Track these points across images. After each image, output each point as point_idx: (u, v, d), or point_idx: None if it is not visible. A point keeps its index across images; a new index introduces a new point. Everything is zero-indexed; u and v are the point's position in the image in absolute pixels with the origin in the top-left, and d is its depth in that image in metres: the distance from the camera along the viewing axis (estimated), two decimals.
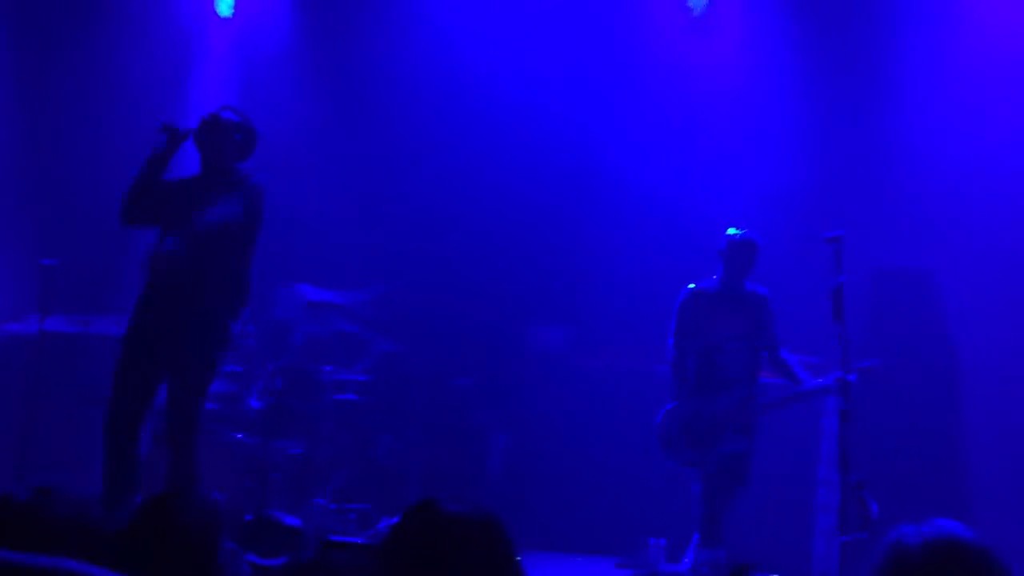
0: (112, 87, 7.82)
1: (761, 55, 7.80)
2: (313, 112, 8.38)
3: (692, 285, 5.74)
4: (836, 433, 5.06)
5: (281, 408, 6.35)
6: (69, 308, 6.80)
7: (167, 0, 8.36)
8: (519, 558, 2.19)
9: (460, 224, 8.02)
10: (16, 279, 7.41)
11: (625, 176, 7.91)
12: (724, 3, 8.04)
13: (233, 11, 8.51)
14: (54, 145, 7.99)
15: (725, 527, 5.46)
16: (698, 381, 5.56)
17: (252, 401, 6.64)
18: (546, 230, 7.99)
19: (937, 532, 1.71)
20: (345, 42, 8.42)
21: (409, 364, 7.66)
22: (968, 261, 6.90)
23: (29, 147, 8.08)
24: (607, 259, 7.74)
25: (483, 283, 7.93)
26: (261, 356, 6.81)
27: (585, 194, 7.94)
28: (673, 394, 5.62)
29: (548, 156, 7.95)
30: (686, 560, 5.50)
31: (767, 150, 7.63)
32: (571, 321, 7.86)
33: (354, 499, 6.54)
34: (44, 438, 6.39)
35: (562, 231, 7.97)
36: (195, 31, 8.42)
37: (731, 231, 5.69)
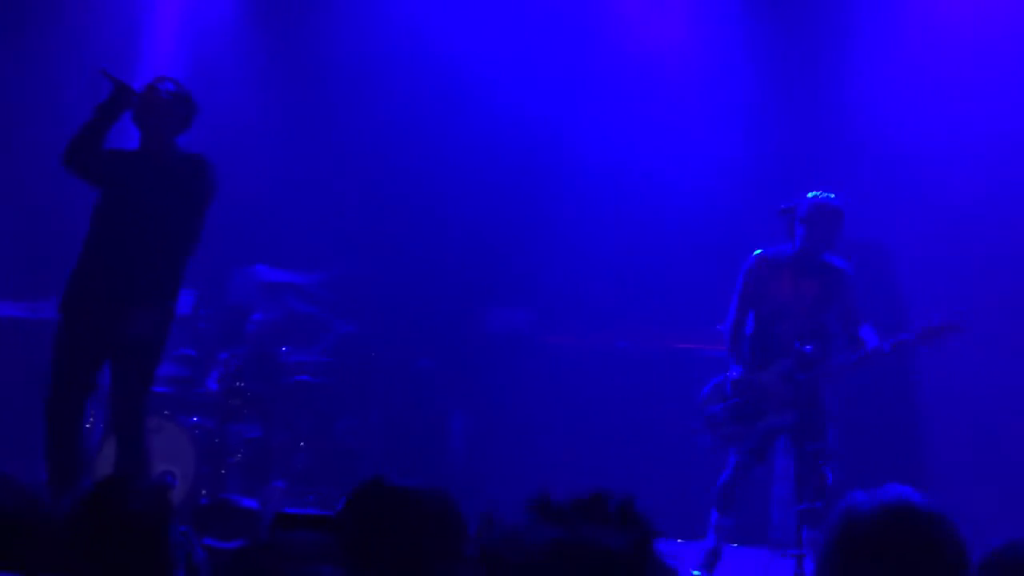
0: (58, 66, 7.64)
1: (717, 26, 7.80)
2: (267, 88, 8.27)
3: (759, 251, 5.28)
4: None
5: (238, 391, 6.29)
6: (16, 293, 6.68)
7: None
8: (466, 536, 2.18)
9: (418, 203, 7.98)
10: None
11: (584, 152, 7.89)
12: None
13: None
14: None
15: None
16: (752, 351, 5.18)
17: (208, 384, 6.57)
18: (505, 209, 7.96)
19: (888, 497, 1.71)
20: (301, 16, 8.31)
21: (368, 345, 7.62)
22: (924, 233, 6.97)
23: None
24: (567, 237, 7.73)
25: (443, 263, 7.90)
26: (216, 339, 6.74)
27: (544, 172, 7.91)
28: (728, 365, 5.23)
29: (505, 134, 7.91)
30: (709, 538, 5.14)
31: (725, 122, 7.64)
32: (531, 300, 7.85)
33: (314, 482, 6.51)
34: None
35: (521, 209, 7.94)
36: (143, 4, 8.25)
37: (814, 194, 5.17)
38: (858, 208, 6.95)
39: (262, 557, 2.99)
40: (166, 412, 5.93)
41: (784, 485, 5.39)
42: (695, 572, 5.12)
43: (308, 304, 7.80)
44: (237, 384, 6.33)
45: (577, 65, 7.96)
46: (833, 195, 5.22)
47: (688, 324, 6.93)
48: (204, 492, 5.79)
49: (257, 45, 8.41)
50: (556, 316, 7.74)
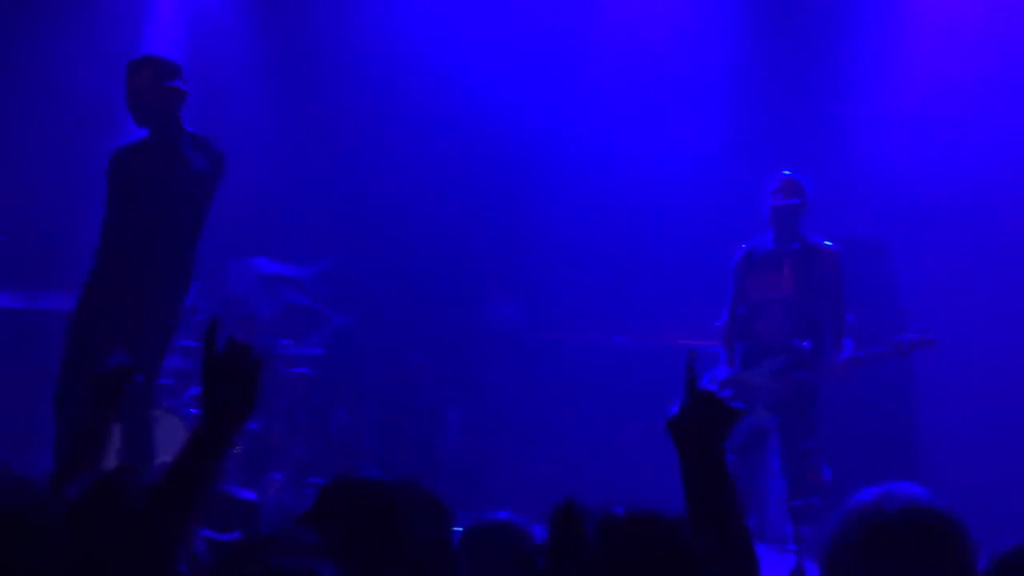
0: (59, 68, 7.60)
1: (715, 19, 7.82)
2: (261, 82, 8.26)
3: (744, 245, 5.24)
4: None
5: None
6: (15, 284, 6.66)
7: None
8: (451, 524, 2.17)
9: (414, 196, 7.98)
10: None
11: (581, 147, 7.90)
12: None
13: None
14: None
15: (754, 496, 5.13)
16: (742, 349, 5.15)
17: None
18: (501, 203, 7.97)
19: (907, 496, 1.68)
20: (293, 13, 8.31)
21: (363, 338, 7.62)
22: (921, 232, 6.97)
23: None
24: (562, 232, 7.73)
25: (438, 257, 7.90)
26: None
27: (541, 166, 7.92)
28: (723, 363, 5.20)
29: (501, 129, 7.91)
30: None
31: (719, 114, 7.64)
32: (526, 295, 7.85)
33: (311, 473, 6.51)
34: None
35: (518, 204, 7.95)
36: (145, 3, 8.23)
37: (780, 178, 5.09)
38: (856, 205, 6.99)
39: (260, 550, 2.96)
40: (166, 404, 5.92)
41: (780, 482, 5.36)
42: None
43: (304, 297, 7.80)
44: None
45: (572, 63, 7.97)
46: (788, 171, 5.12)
47: (690, 320, 6.93)
48: None
49: (250, 40, 8.40)
50: (552, 311, 7.75)
